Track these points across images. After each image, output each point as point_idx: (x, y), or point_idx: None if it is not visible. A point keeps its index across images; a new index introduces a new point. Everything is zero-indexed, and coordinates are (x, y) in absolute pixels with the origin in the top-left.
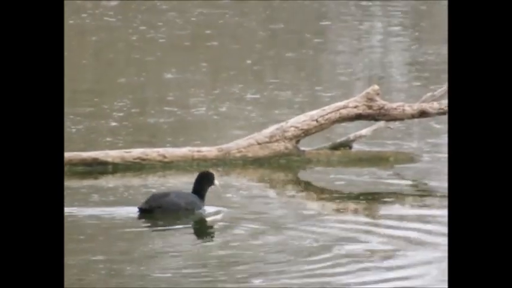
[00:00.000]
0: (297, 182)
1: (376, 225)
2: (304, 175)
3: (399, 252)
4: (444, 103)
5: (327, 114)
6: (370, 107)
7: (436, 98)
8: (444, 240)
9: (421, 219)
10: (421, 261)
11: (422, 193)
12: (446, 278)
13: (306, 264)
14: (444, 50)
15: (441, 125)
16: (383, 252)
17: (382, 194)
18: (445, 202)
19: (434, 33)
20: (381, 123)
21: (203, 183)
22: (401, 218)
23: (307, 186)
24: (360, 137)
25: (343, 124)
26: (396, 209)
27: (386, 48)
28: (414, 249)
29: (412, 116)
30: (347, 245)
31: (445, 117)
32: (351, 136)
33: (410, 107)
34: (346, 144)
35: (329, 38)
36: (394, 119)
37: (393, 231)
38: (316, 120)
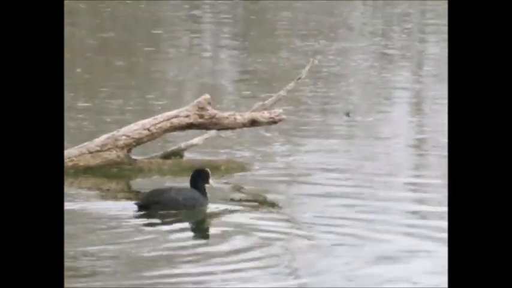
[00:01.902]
0: (129, 191)
1: (209, 232)
2: (136, 184)
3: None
4: (275, 112)
5: (158, 123)
6: (201, 116)
7: (267, 107)
8: (283, 246)
9: (256, 227)
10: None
11: (254, 202)
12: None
13: (152, 270)
14: (273, 59)
15: (272, 134)
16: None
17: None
18: (276, 210)
19: (263, 43)
20: (213, 132)
21: (197, 181)
22: (238, 225)
23: (138, 194)
24: (192, 145)
25: (175, 133)
26: (228, 217)
27: (216, 57)
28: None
29: (243, 125)
30: (190, 248)
31: (276, 126)
32: (183, 145)
33: (242, 116)
34: (178, 153)
35: (160, 47)
36: (226, 128)
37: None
38: (148, 129)
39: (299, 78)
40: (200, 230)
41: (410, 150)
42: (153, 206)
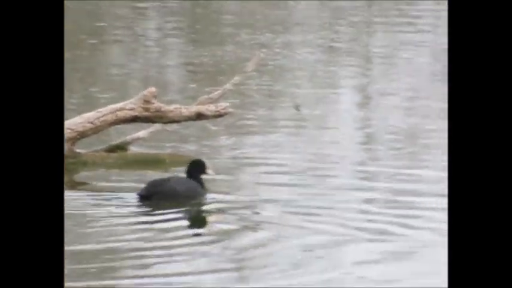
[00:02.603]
0: (73, 185)
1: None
2: (80, 177)
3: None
4: (221, 105)
5: (103, 116)
6: (146, 109)
7: (213, 100)
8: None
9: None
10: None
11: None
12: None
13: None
14: (219, 52)
15: (218, 127)
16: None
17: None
18: (216, 202)
19: (209, 36)
20: (158, 126)
21: (194, 171)
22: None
23: (83, 188)
24: (137, 139)
25: (121, 126)
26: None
27: (162, 50)
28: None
29: (189, 119)
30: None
31: (222, 120)
32: (128, 138)
33: (187, 110)
34: (123, 147)
35: (104, 39)
36: (171, 121)
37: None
38: (92, 123)
39: (245, 72)
40: (200, 225)
41: (357, 142)
42: (154, 196)
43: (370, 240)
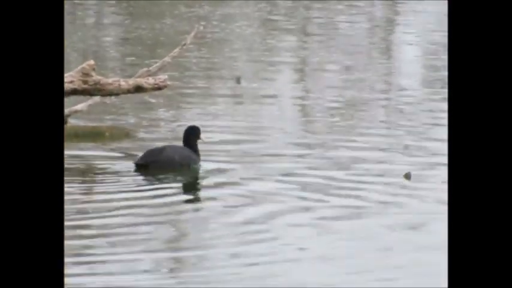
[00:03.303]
0: None
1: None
2: None
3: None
4: (159, 78)
5: None
6: (85, 82)
7: (151, 73)
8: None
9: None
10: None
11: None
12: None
13: None
14: (158, 25)
15: (157, 100)
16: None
17: (100, 170)
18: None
19: (147, 9)
20: (97, 98)
21: (190, 137)
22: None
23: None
24: (76, 112)
25: None
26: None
27: (100, 23)
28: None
29: (128, 91)
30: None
31: (161, 92)
32: (67, 111)
33: (126, 82)
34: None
35: None
36: (110, 94)
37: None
38: None
39: (184, 45)
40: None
41: (296, 112)
42: (151, 165)
43: (306, 209)
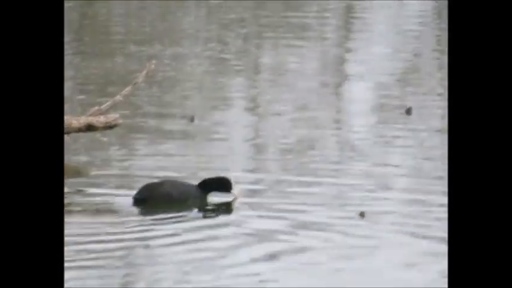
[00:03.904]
0: None
1: None
2: None
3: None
4: (111, 116)
5: None
6: None
7: (103, 111)
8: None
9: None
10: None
11: (94, 204)
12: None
13: None
14: (108, 64)
15: (108, 138)
16: None
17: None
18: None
19: (97, 48)
20: None
21: (216, 186)
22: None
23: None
24: None
25: None
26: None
27: None
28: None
29: (79, 130)
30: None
31: (113, 131)
32: None
33: (77, 121)
34: None
35: None
36: None
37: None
38: None
39: (135, 83)
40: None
41: (247, 151)
42: (149, 200)
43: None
